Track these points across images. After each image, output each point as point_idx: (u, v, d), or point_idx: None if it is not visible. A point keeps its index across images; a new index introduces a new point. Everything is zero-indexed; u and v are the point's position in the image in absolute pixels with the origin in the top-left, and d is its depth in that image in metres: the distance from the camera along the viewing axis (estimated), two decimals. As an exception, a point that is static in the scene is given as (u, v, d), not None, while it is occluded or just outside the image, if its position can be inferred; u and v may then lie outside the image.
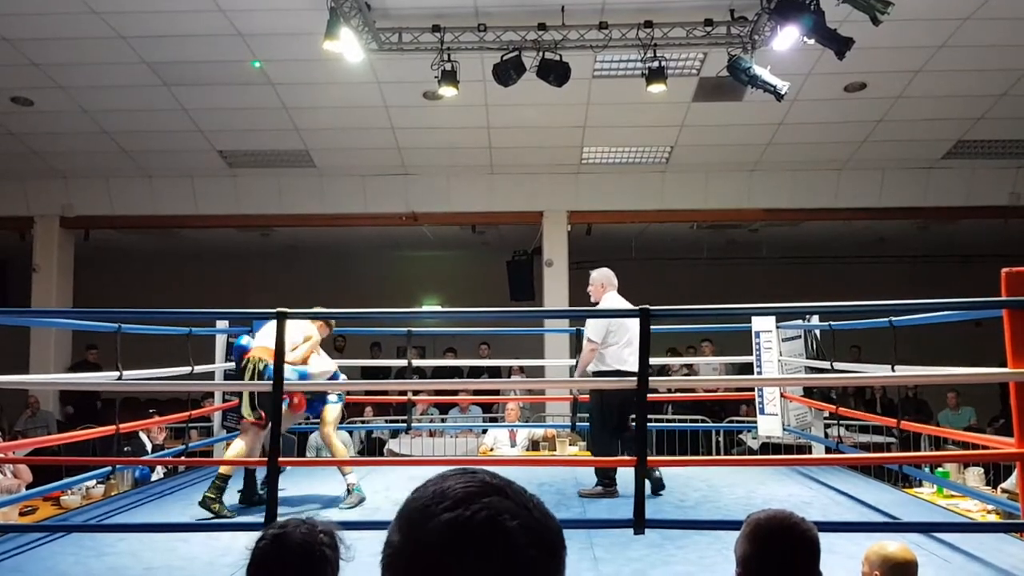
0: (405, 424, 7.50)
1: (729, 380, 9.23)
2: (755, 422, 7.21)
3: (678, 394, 8.58)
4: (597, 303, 5.62)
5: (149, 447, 7.48)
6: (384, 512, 4.74)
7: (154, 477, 6.60)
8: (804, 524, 1.87)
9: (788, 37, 6.55)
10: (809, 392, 6.91)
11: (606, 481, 5.39)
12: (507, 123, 9.22)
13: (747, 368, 7.52)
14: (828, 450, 6.53)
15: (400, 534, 0.82)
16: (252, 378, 4.84)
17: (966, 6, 7.06)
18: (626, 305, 5.54)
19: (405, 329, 7.80)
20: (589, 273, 5.78)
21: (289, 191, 10.64)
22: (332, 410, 5.36)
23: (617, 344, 5.40)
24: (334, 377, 5.40)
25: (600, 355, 5.39)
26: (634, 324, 4.85)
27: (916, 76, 8.22)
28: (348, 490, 5.07)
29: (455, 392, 8.86)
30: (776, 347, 6.79)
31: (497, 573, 0.78)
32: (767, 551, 1.83)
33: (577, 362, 5.72)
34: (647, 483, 5.31)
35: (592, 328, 5.41)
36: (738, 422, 8.74)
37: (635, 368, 4.47)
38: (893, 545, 2.60)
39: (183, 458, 6.49)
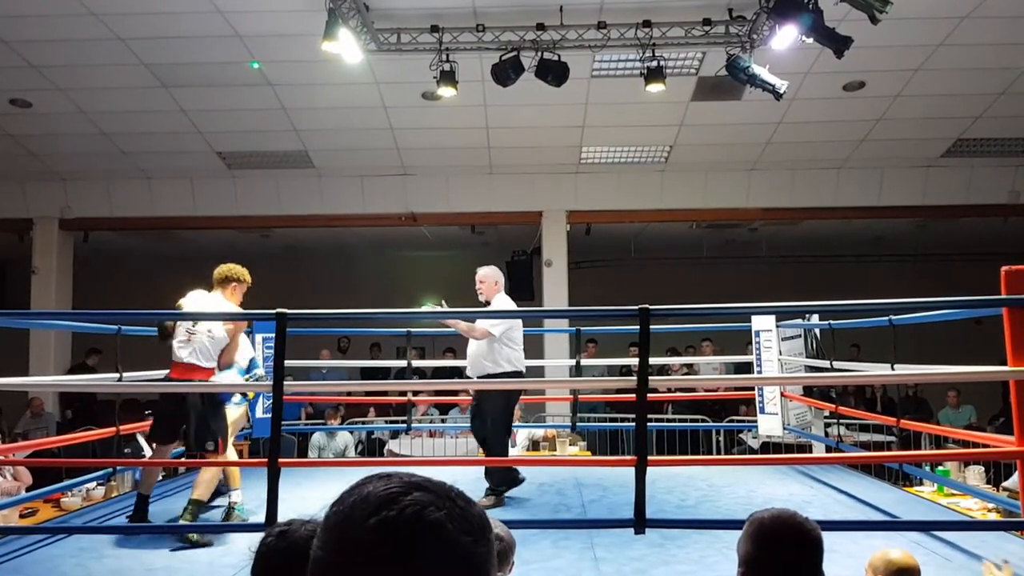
0: (405, 425, 7.49)
1: (729, 379, 9.23)
2: (755, 421, 7.21)
3: (678, 394, 8.58)
4: (488, 302, 5.44)
5: (147, 451, 7.47)
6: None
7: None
8: (808, 524, 1.86)
9: (787, 36, 6.55)
10: (809, 391, 6.91)
11: (503, 488, 5.22)
12: (506, 123, 9.22)
13: (746, 367, 7.52)
14: (828, 449, 6.53)
15: (325, 549, 0.80)
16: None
17: (964, 4, 7.05)
18: (513, 306, 5.45)
19: (404, 330, 7.79)
20: (477, 269, 5.53)
21: (288, 192, 10.64)
22: (232, 412, 5.00)
23: (517, 346, 5.34)
24: (252, 367, 5.15)
25: (505, 356, 5.24)
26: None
27: (915, 75, 8.22)
28: (230, 507, 4.73)
29: (455, 392, 8.86)
30: (776, 346, 6.79)
31: (433, 565, 0.77)
32: (771, 552, 1.81)
33: (483, 357, 5.34)
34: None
35: (493, 322, 5.23)
36: (738, 422, 8.74)
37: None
38: (897, 551, 2.60)
39: (182, 459, 6.47)
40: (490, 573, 0.81)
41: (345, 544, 0.79)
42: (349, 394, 9.31)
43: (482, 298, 5.50)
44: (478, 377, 5.36)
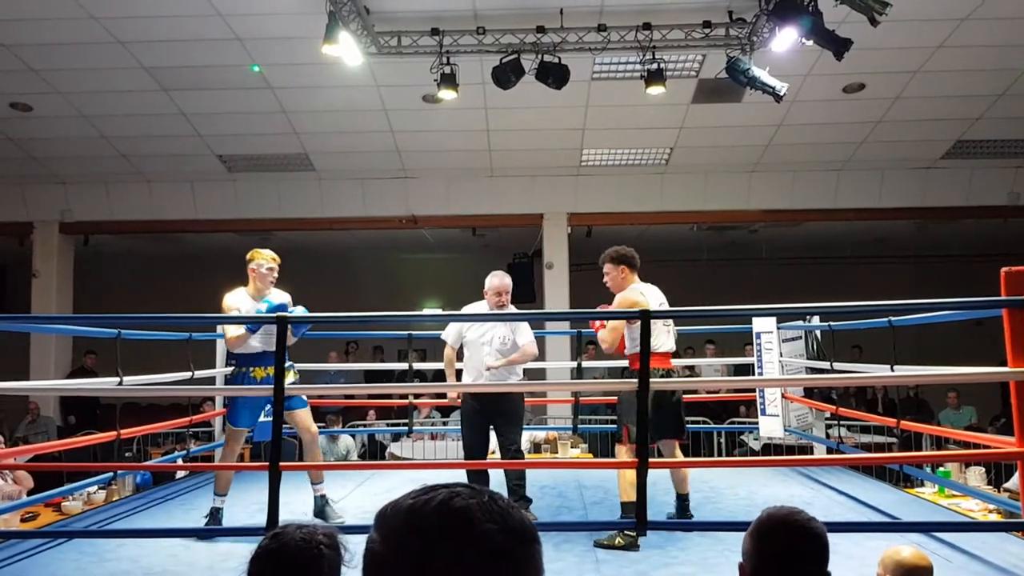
0: (407, 427, 7.49)
1: (730, 381, 9.22)
2: (756, 423, 7.21)
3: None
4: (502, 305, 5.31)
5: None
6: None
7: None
8: (814, 522, 1.87)
9: (786, 38, 6.55)
10: (810, 393, 6.91)
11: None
12: (506, 126, 9.22)
13: (747, 369, 7.50)
14: (829, 450, 6.53)
15: (374, 531, 0.87)
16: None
17: (964, 6, 7.06)
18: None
19: (406, 332, 7.79)
20: (503, 280, 5.36)
21: (288, 195, 10.65)
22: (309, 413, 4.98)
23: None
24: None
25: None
26: None
27: (915, 76, 8.22)
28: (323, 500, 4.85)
29: (457, 395, 8.83)
30: (777, 348, 6.79)
31: (459, 551, 0.80)
32: (776, 548, 1.82)
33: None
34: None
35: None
36: (739, 423, 8.74)
37: None
38: (908, 550, 2.58)
39: (183, 463, 6.47)
40: None
41: (384, 526, 0.85)
42: (350, 397, 9.31)
43: (498, 303, 5.31)
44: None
